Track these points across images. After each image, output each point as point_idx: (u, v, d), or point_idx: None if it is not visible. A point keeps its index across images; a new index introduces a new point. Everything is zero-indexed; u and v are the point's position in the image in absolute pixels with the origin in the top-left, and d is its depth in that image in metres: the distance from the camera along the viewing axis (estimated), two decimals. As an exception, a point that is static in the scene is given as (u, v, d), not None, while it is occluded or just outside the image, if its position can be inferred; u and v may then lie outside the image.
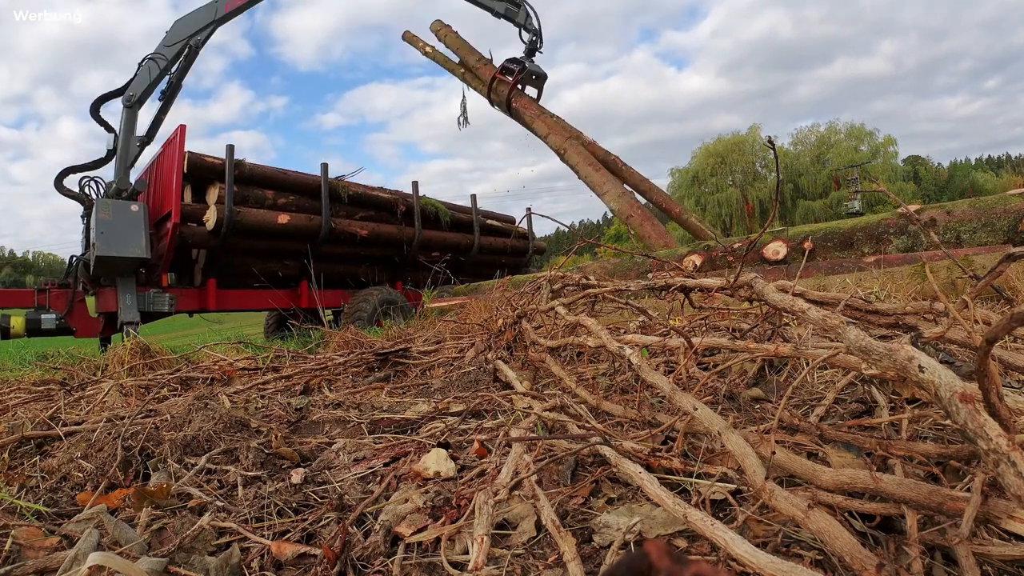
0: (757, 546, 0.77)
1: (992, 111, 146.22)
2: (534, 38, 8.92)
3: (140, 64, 6.72)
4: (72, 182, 6.66)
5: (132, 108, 6.62)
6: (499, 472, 1.19)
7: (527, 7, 8.82)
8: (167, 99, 6.88)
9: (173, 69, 6.85)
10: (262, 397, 2.38)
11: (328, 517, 1.17)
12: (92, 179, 6.67)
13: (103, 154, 6.68)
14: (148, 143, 6.86)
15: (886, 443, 1.03)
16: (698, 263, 5.79)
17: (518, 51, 9.16)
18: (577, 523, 1.05)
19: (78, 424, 1.92)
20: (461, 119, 10.03)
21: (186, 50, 6.86)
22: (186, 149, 6.68)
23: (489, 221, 10.29)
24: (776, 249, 5.54)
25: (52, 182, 6.53)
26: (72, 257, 6.84)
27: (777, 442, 1.03)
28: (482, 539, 0.90)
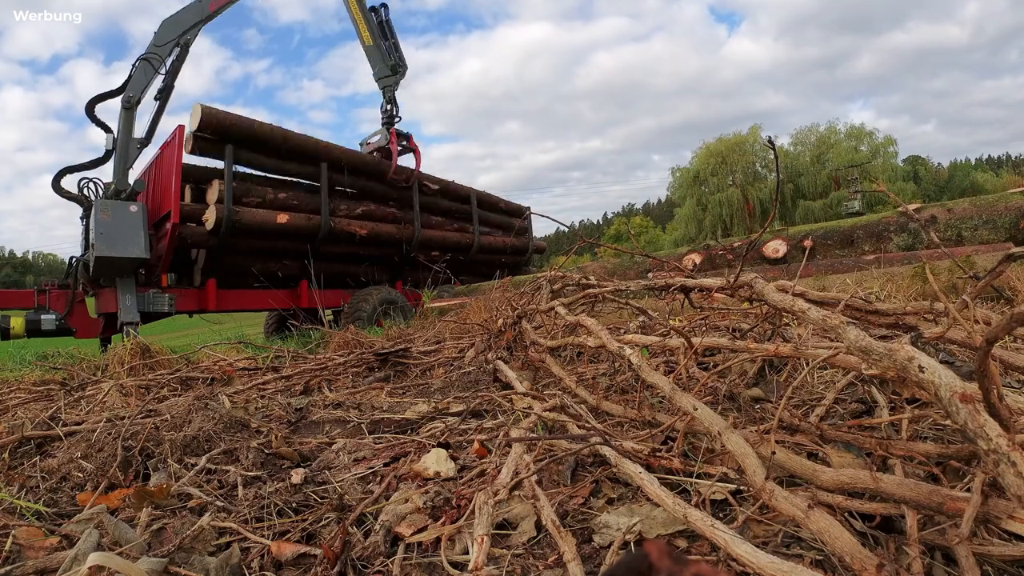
0: (757, 546, 0.77)
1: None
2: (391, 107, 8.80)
3: (134, 65, 6.74)
4: (70, 183, 6.67)
5: (131, 109, 6.63)
6: (499, 472, 1.19)
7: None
8: (163, 99, 6.91)
9: (165, 69, 6.89)
10: (262, 397, 2.38)
11: (328, 517, 1.17)
12: (91, 180, 6.67)
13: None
14: (147, 144, 6.87)
15: (886, 443, 1.03)
16: (698, 262, 5.80)
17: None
18: (577, 523, 1.05)
19: (78, 424, 1.92)
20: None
21: (177, 49, 6.91)
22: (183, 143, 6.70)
23: (490, 214, 10.22)
24: (776, 247, 5.54)
25: (50, 182, 6.54)
26: (72, 258, 6.84)
27: (777, 442, 1.04)
28: (482, 539, 0.90)
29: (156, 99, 6.90)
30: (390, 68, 8.69)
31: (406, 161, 8.94)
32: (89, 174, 6.67)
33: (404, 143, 8.86)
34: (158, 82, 6.87)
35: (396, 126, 8.80)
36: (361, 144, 9.16)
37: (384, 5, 8.86)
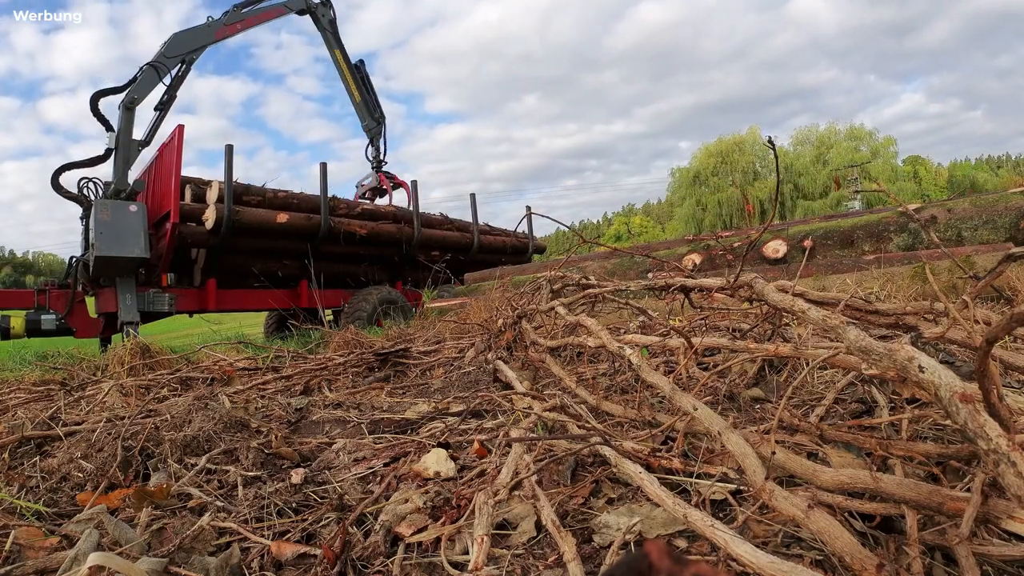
0: (757, 546, 0.77)
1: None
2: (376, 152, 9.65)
3: (141, 69, 6.79)
4: (69, 182, 6.67)
5: (132, 110, 6.65)
6: (499, 472, 1.19)
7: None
8: (164, 108, 6.98)
9: (169, 81, 7.02)
10: (262, 397, 2.38)
11: (328, 517, 1.17)
12: (90, 180, 6.67)
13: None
14: (147, 144, 6.90)
15: (886, 443, 1.03)
16: (698, 262, 5.79)
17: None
18: (577, 523, 1.05)
19: (78, 424, 1.92)
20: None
21: (182, 65, 7.09)
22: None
23: (486, 237, 10.22)
24: (776, 248, 5.53)
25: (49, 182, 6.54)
26: (72, 258, 6.84)
27: (777, 442, 1.04)
28: (482, 539, 0.90)
29: (156, 110, 7.00)
30: (375, 119, 9.60)
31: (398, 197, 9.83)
32: (88, 173, 6.68)
33: (392, 182, 9.76)
34: (160, 91, 6.98)
35: (384, 168, 9.74)
36: (357, 186, 10.09)
37: (362, 61, 9.72)
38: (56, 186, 6.55)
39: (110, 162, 6.68)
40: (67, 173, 6.67)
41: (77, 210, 6.71)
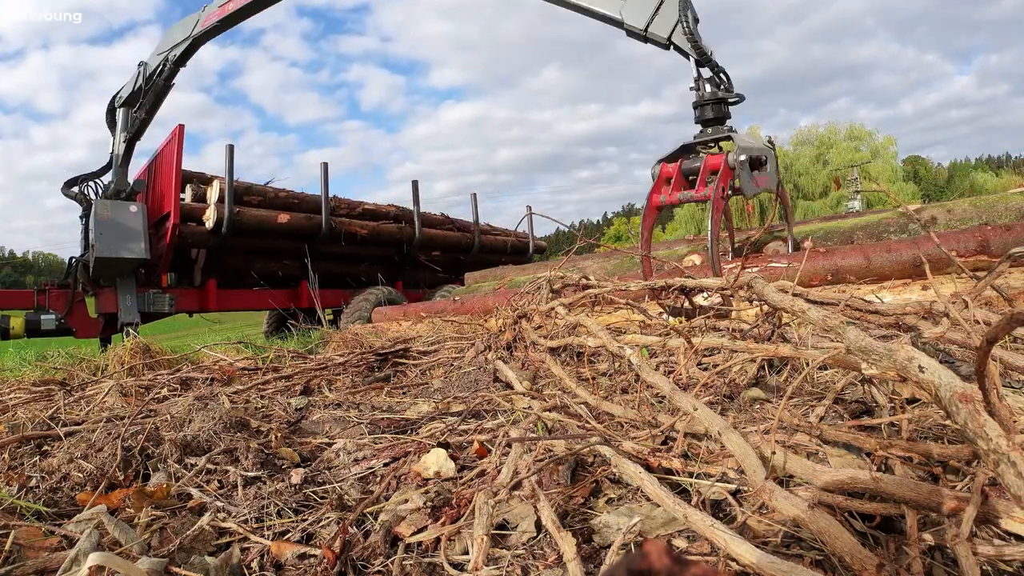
0: (757, 546, 0.77)
1: None
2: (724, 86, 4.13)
3: (138, 66, 6.74)
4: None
5: (124, 107, 6.62)
6: (499, 472, 1.19)
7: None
8: (150, 108, 6.67)
9: (152, 80, 6.56)
10: (262, 397, 2.38)
11: (328, 517, 1.17)
12: (90, 180, 6.68)
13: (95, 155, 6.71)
14: (135, 141, 6.77)
15: (886, 443, 1.03)
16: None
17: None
18: (577, 523, 1.05)
19: (78, 424, 1.92)
20: None
21: (163, 65, 6.51)
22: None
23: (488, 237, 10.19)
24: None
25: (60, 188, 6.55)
26: (72, 258, 6.85)
27: (777, 442, 1.03)
28: (482, 539, 0.90)
29: (136, 111, 6.62)
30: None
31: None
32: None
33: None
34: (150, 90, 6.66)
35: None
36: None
37: None
38: (66, 193, 6.56)
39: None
40: (77, 185, 6.66)
41: (57, 203, 6.73)
